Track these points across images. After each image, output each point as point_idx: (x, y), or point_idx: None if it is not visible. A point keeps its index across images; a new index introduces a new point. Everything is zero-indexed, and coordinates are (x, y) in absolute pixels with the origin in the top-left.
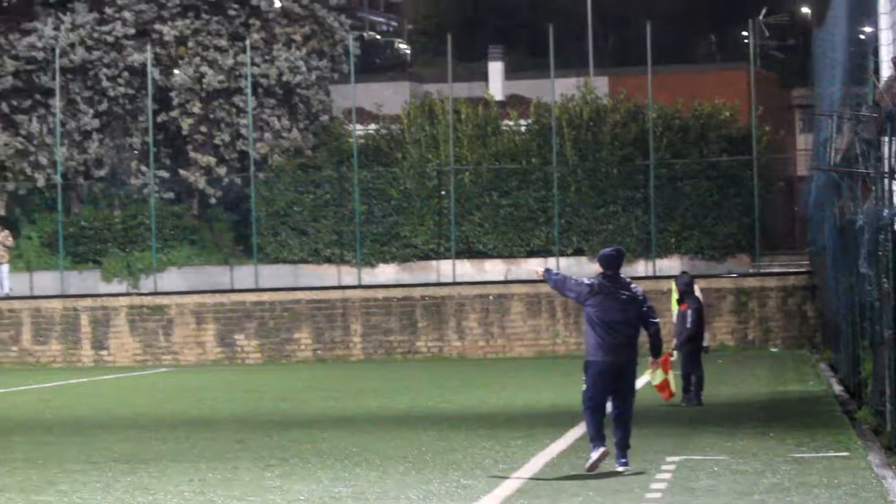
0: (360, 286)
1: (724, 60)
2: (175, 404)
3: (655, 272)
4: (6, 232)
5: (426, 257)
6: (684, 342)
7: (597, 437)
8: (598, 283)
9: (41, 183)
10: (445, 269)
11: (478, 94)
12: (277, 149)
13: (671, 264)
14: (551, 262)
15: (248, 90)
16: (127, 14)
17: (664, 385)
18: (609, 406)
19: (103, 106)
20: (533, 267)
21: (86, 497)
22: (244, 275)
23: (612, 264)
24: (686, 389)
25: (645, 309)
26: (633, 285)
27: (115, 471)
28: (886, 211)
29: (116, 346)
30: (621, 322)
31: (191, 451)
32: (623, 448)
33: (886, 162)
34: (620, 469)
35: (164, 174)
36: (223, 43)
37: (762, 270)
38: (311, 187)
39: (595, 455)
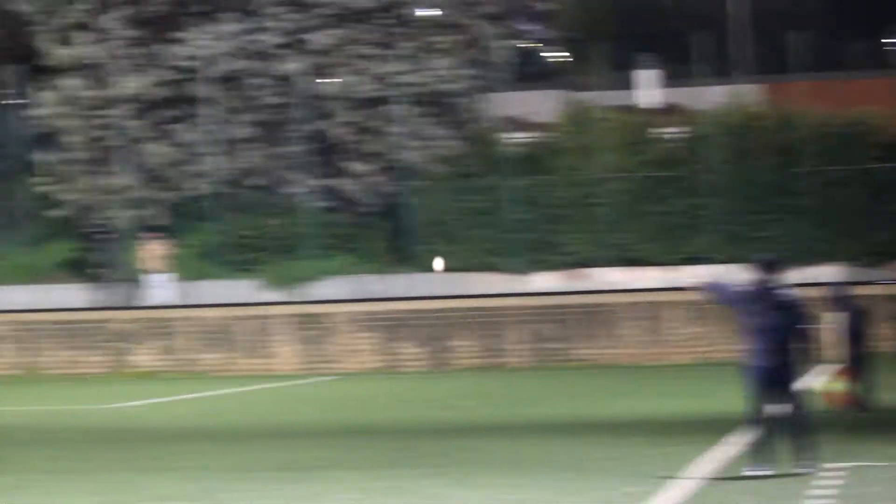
0: (516, 294)
1: (877, 67)
2: (335, 413)
3: (810, 280)
4: (163, 241)
5: (581, 265)
6: (848, 349)
7: (759, 453)
8: (750, 289)
9: (196, 192)
10: (600, 276)
11: (630, 101)
12: (430, 157)
13: (826, 272)
14: (705, 270)
15: (400, 99)
16: (276, 23)
17: (839, 395)
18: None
19: (256, 115)
20: (688, 275)
21: None
22: (400, 283)
23: (766, 270)
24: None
25: (797, 315)
26: (786, 291)
27: (275, 480)
28: None
29: (275, 354)
30: (772, 328)
31: (352, 460)
32: (800, 452)
33: None
34: (796, 472)
35: (318, 183)
36: (373, 52)
37: None
38: (466, 196)
39: (757, 473)
